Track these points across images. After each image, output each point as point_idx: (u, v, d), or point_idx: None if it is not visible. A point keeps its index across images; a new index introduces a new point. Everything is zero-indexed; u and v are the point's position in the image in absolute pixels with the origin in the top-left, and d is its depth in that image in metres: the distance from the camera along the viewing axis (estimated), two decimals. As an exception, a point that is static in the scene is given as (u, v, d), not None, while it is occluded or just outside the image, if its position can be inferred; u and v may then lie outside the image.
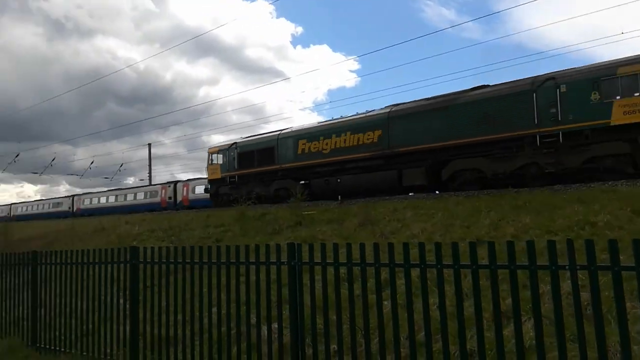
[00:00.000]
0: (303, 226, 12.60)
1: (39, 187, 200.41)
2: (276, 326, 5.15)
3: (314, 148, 19.18)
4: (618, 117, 12.50)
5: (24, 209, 52.92)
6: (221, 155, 23.23)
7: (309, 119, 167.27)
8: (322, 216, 13.12)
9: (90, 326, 6.68)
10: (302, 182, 19.23)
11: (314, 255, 4.79)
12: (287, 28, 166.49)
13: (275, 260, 5.03)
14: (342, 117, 19.70)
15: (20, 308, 7.87)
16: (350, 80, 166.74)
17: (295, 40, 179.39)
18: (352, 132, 18.05)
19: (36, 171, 47.25)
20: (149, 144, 47.23)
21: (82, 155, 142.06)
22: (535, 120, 13.76)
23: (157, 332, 5.92)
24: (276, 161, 20.53)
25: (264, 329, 5.18)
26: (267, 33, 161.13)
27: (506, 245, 3.74)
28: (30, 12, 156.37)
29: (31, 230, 22.46)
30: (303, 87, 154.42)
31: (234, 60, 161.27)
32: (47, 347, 7.19)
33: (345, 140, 18.16)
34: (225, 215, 16.10)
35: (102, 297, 6.65)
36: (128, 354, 6.07)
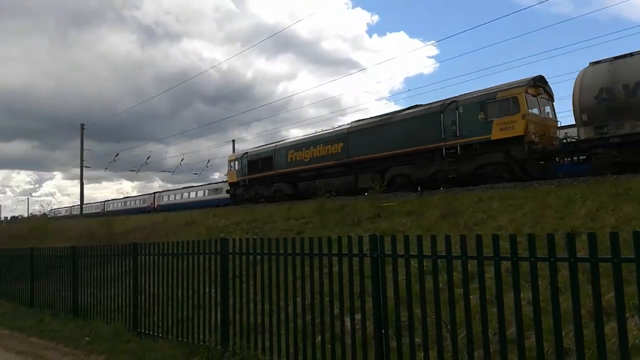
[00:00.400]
0: (382, 218, 12.50)
1: (135, 183, 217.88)
2: (359, 317, 5.17)
3: (299, 157, 23.49)
4: (496, 133, 15.73)
5: (115, 205, 58.60)
6: (236, 163, 28.12)
7: (385, 110, 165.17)
8: (402, 208, 12.92)
9: (185, 313, 7.13)
10: (292, 184, 23.71)
11: (396, 247, 4.72)
12: (363, 17, 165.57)
13: (357, 252, 5.04)
14: (318, 132, 24.31)
15: (123, 296, 8.58)
16: (429, 67, 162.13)
17: (371, 29, 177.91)
18: (324, 144, 22.23)
19: (133, 169, 51.16)
20: (233, 140, 49.43)
21: (173, 153, 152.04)
22: (442, 136, 17.25)
23: (246, 320, 6.19)
24: (274, 168, 24.96)
25: (347, 320, 5.22)
26: (342, 24, 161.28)
27: (609, 236, 3.44)
28: (125, 21, 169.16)
29: (130, 223, 24.40)
30: (379, 77, 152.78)
31: (310, 54, 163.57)
32: (147, 332, 7.78)
33: (320, 151, 22.43)
34: (304, 207, 16.40)
35: (195, 286, 7.06)
36: (219, 340, 6.41)
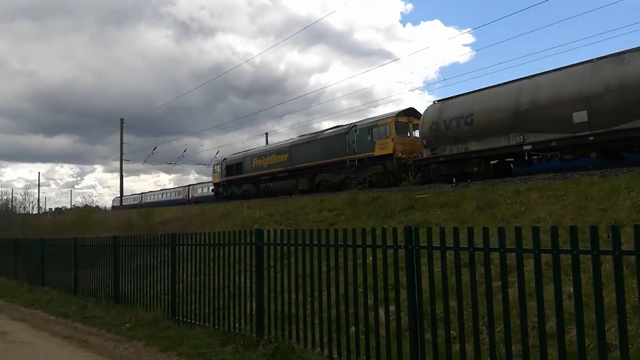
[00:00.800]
0: (416, 210, 12.36)
1: (172, 176, 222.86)
2: (393, 309, 5.15)
3: (260, 164, 29.69)
4: (377, 151, 21.04)
5: (151, 197, 60.47)
6: (218, 167, 34.48)
7: (419, 100, 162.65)
8: (436, 199, 12.74)
9: (220, 302, 7.28)
10: (255, 185, 29.83)
11: (432, 239, 4.66)
12: (396, 6, 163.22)
13: (391, 244, 5.01)
14: (273, 144, 32.55)
15: (161, 284, 8.84)
16: (464, 55, 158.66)
17: (405, 18, 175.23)
18: (276, 154, 28.40)
19: (170, 162, 52.55)
20: (266, 134, 50.04)
21: (208, 146, 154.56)
22: (347, 151, 22.71)
23: (280, 309, 6.27)
24: (243, 172, 31.30)
25: (381, 311, 5.21)
26: (376, 14, 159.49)
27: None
28: (161, 17, 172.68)
29: (168, 214, 25.07)
30: (413, 67, 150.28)
31: (343, 45, 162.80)
32: (184, 319, 8.00)
33: (273, 159, 28.50)
34: (337, 199, 16.41)
35: (230, 276, 7.20)
36: (254, 329, 6.52)
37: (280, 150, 28.36)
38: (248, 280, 6.91)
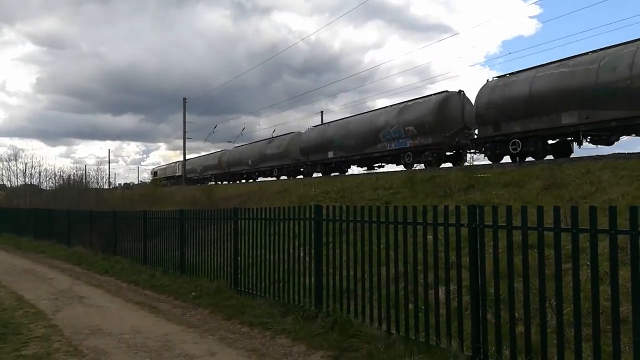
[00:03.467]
0: (476, 189, 12.00)
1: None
2: (454, 288, 5.09)
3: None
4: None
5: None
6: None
7: (480, 76, 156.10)
8: (498, 179, 12.29)
9: (280, 275, 7.50)
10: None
11: (497, 218, 4.53)
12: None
13: (454, 222, 4.92)
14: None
15: (224, 256, 9.21)
16: (530, 28, 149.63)
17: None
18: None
19: (229, 140, 53.91)
20: (322, 112, 50.03)
21: (264, 124, 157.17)
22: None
23: (339, 284, 6.38)
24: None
25: (442, 290, 5.16)
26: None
27: None
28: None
29: (228, 190, 25.93)
30: (474, 42, 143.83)
31: (400, 20, 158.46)
32: (246, 290, 8.32)
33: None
34: (393, 178, 16.23)
35: (290, 250, 7.38)
36: (313, 302, 6.68)
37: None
38: (306, 255, 7.05)
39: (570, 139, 16.11)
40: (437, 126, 20.04)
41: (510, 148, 16.67)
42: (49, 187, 37.83)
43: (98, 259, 14.07)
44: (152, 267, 11.85)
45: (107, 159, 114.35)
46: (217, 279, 9.17)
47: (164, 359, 5.40)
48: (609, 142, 15.19)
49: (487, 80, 18.27)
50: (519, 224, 4.29)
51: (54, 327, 6.83)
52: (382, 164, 24.29)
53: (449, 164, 20.34)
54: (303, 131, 31.26)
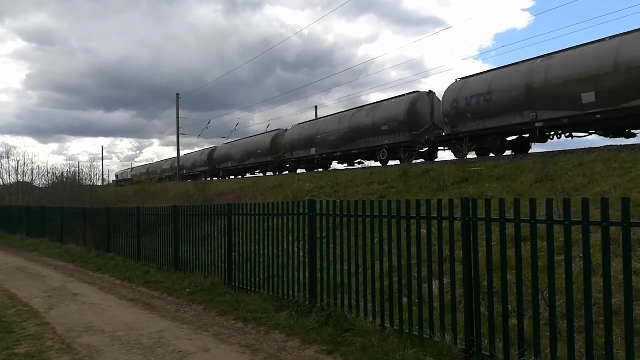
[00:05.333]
0: (470, 183, 12.04)
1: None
2: (447, 281, 5.09)
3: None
4: None
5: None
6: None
7: (473, 69, 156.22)
8: (491, 172, 12.33)
9: (274, 270, 7.49)
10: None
11: (490, 211, 4.53)
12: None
13: (447, 216, 4.91)
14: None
15: (218, 252, 9.18)
16: (523, 21, 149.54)
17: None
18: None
19: (223, 136, 53.79)
20: (316, 107, 49.90)
21: (258, 120, 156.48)
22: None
23: (333, 278, 6.37)
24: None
25: (435, 284, 5.17)
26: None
27: None
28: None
29: (222, 186, 25.82)
30: (467, 35, 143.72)
31: (392, 14, 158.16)
32: (240, 286, 8.30)
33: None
34: (387, 172, 16.24)
35: (284, 245, 7.36)
36: (307, 296, 6.67)
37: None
38: (301, 250, 7.04)
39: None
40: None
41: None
42: (42, 185, 37.54)
43: (92, 257, 14.00)
44: (146, 264, 11.80)
45: (101, 156, 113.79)
46: (212, 275, 9.14)
47: (157, 356, 5.37)
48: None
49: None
50: (512, 217, 4.29)
51: (46, 325, 6.79)
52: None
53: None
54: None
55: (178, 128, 45.11)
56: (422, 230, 5.29)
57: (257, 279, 7.92)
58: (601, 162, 10.25)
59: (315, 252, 6.75)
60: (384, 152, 21.93)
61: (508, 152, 17.10)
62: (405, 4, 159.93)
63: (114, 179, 66.07)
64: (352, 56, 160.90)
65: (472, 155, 17.56)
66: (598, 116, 13.54)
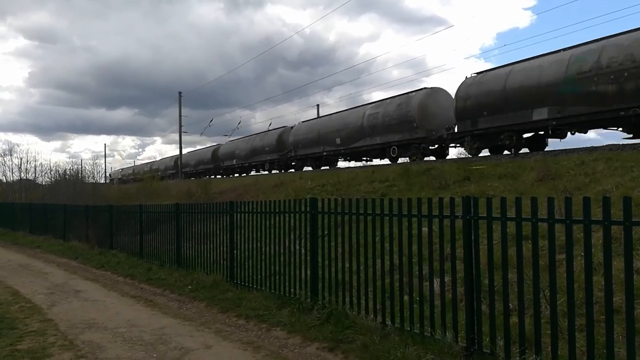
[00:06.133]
0: (471, 181, 12.04)
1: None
2: (448, 279, 5.10)
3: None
4: None
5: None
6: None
7: (475, 68, 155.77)
8: (493, 170, 12.33)
9: (276, 268, 7.51)
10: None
11: (492, 210, 4.54)
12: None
13: (448, 214, 4.92)
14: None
15: (220, 249, 9.21)
16: (525, 20, 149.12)
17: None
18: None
19: (225, 134, 53.93)
20: (317, 105, 50.00)
21: (260, 118, 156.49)
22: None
23: (334, 276, 6.39)
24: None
25: (436, 282, 5.18)
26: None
27: None
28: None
29: (224, 184, 25.86)
30: (468, 34, 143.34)
31: (394, 13, 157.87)
32: (242, 283, 8.33)
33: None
34: (389, 170, 16.24)
35: (286, 243, 7.38)
36: (309, 294, 6.70)
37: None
38: (302, 248, 7.06)
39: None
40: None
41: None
42: (45, 182, 37.70)
43: (94, 253, 14.04)
44: (149, 261, 11.84)
45: (103, 153, 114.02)
46: (214, 273, 9.17)
47: (159, 353, 5.40)
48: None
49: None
50: (513, 215, 4.30)
51: (49, 322, 6.82)
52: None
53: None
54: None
55: (180, 126, 45.13)
56: (423, 229, 5.30)
57: (259, 277, 7.95)
58: (603, 161, 10.23)
59: (316, 250, 6.76)
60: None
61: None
62: (407, 2, 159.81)
63: (107, 179, 66.77)
64: (354, 55, 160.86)
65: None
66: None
